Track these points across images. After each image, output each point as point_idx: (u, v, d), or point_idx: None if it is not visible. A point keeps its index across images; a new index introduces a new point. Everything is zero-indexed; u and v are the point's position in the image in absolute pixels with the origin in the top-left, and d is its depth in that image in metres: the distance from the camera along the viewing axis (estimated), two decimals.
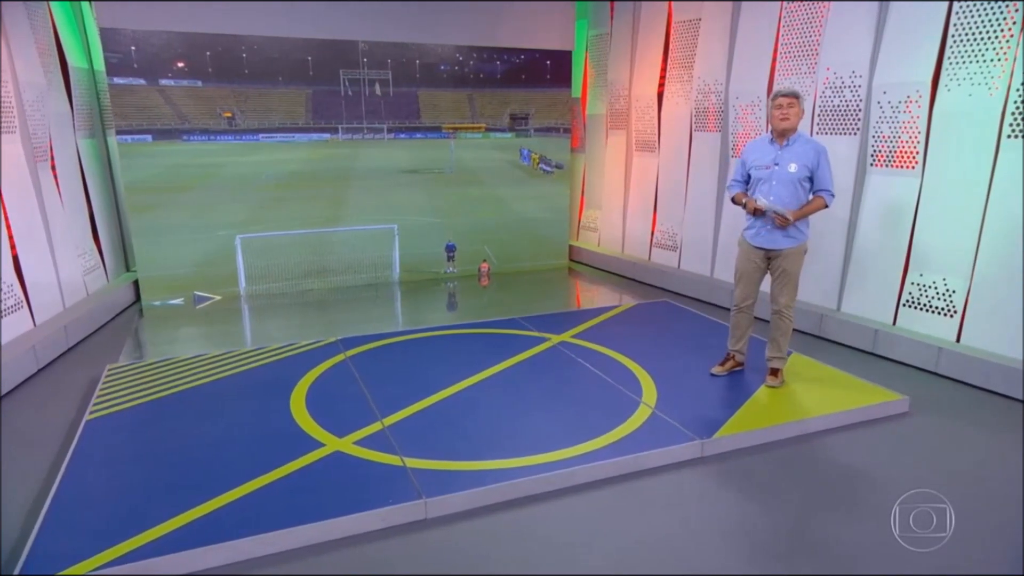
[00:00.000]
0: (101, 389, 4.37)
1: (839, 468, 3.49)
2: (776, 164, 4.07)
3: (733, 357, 4.52)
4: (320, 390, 4.34)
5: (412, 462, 3.39)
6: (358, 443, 3.61)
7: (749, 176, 4.23)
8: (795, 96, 3.99)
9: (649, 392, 4.26)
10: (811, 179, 4.07)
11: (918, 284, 5.07)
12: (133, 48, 6.24)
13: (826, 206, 4.10)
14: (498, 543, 2.88)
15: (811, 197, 4.11)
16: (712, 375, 4.49)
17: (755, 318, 4.52)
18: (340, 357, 4.93)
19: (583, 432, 3.69)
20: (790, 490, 3.28)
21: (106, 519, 2.93)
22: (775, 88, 4.09)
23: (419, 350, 5.11)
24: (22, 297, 5.13)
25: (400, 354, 5.03)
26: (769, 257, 4.22)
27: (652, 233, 7.87)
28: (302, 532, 2.86)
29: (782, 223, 4.02)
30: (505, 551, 2.82)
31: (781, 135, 4.08)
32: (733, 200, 4.31)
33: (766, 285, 4.41)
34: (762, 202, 4.05)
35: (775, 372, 4.33)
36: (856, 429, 3.91)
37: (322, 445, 3.59)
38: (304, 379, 4.51)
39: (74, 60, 6.43)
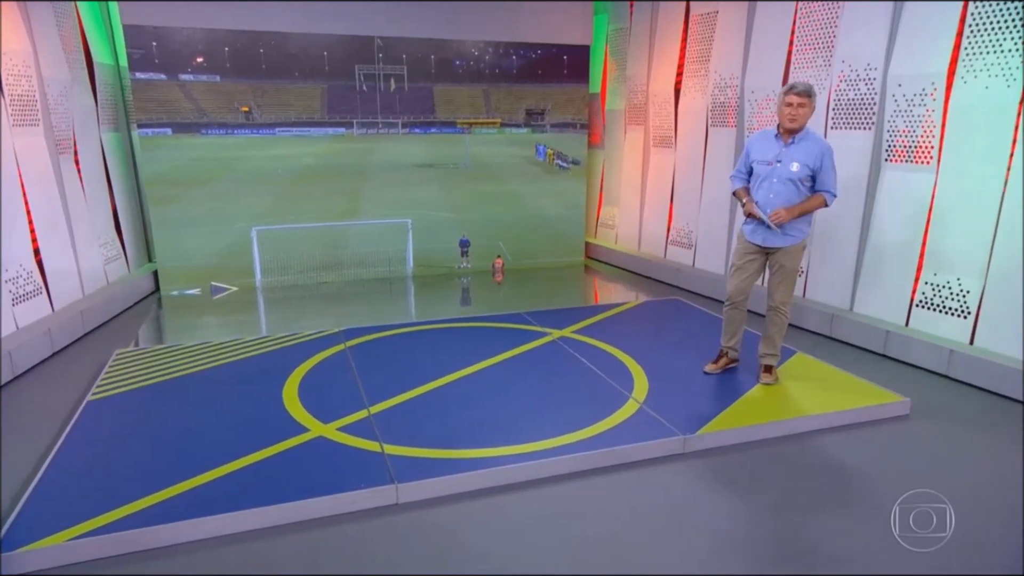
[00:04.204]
0: (107, 372, 4.52)
1: (824, 468, 3.39)
2: (779, 161, 3.98)
3: (727, 354, 4.43)
4: (314, 378, 4.41)
5: (391, 448, 3.42)
6: (341, 429, 3.65)
7: (752, 168, 4.14)
8: (808, 95, 3.87)
9: (640, 387, 4.20)
10: (813, 178, 3.97)
11: (932, 284, 4.89)
12: (155, 44, 6.44)
13: (825, 205, 3.99)
14: (465, 530, 2.88)
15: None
16: (706, 373, 4.41)
17: (748, 312, 4.45)
18: (340, 347, 5.00)
19: (565, 424, 3.67)
20: (768, 488, 3.20)
21: (89, 494, 3.02)
22: (790, 80, 3.97)
23: (416, 342, 5.15)
24: (41, 284, 5.33)
25: (397, 345, 5.07)
26: (768, 253, 4.14)
27: (668, 230, 7.77)
28: (272, 512, 2.91)
29: (777, 220, 3.95)
30: (471, 538, 2.83)
31: (788, 132, 3.98)
32: (734, 194, 4.24)
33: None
34: (757, 211, 4.01)
35: (769, 369, 4.24)
36: (850, 430, 3.79)
37: (306, 430, 3.64)
38: (300, 367, 4.59)
39: (100, 56, 6.65)
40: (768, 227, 4.03)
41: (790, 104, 3.89)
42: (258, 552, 2.74)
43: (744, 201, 4.10)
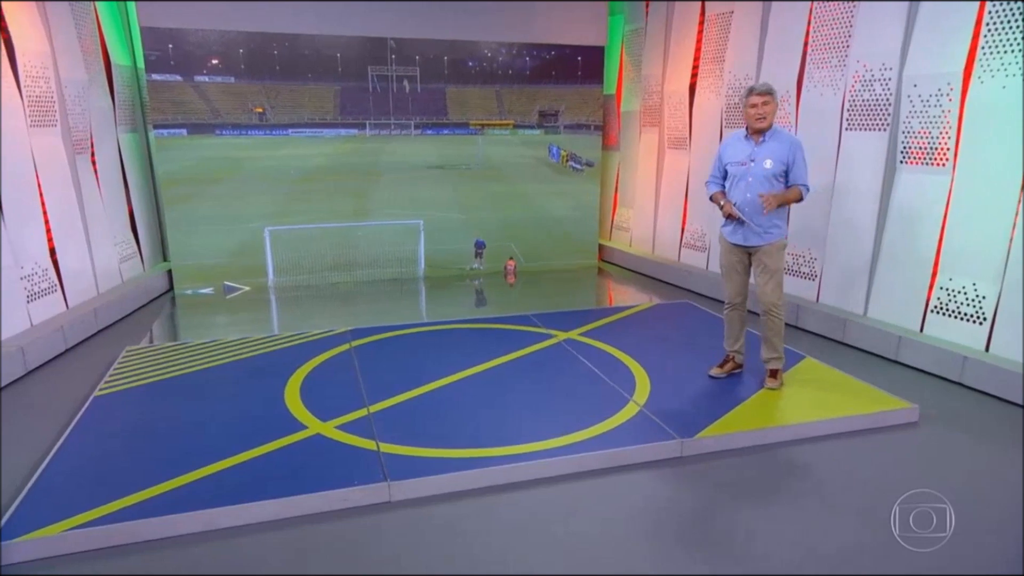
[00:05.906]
0: (115, 368, 4.59)
1: (824, 474, 3.32)
2: (752, 160, 4.02)
3: (732, 358, 4.37)
4: (317, 377, 4.43)
5: (386, 447, 3.42)
6: (340, 427, 3.66)
7: (727, 172, 4.17)
8: (769, 92, 3.94)
9: (642, 390, 4.16)
10: (787, 174, 4.01)
11: (947, 289, 4.77)
12: (171, 46, 6.54)
13: (801, 198, 4.02)
14: (456, 529, 2.87)
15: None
16: (711, 377, 4.35)
17: (749, 312, 4.40)
18: (345, 346, 5.02)
19: (563, 426, 3.64)
20: (763, 493, 3.14)
21: (87, 487, 3.07)
22: (749, 85, 4.02)
23: (421, 343, 5.15)
24: (56, 281, 5.43)
25: (401, 346, 5.08)
26: (749, 253, 4.15)
27: (682, 233, 7.69)
28: (262, 508, 2.92)
29: (768, 202, 3.92)
30: (461, 537, 2.81)
31: (757, 132, 4.01)
32: (711, 199, 4.24)
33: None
34: (736, 212, 4.04)
35: (774, 373, 4.17)
36: (854, 436, 3.71)
37: (304, 428, 3.66)
38: (304, 366, 4.61)
39: (118, 58, 6.78)
40: (745, 225, 4.06)
41: (754, 105, 3.96)
42: (247, 548, 2.75)
43: (722, 203, 4.14)
